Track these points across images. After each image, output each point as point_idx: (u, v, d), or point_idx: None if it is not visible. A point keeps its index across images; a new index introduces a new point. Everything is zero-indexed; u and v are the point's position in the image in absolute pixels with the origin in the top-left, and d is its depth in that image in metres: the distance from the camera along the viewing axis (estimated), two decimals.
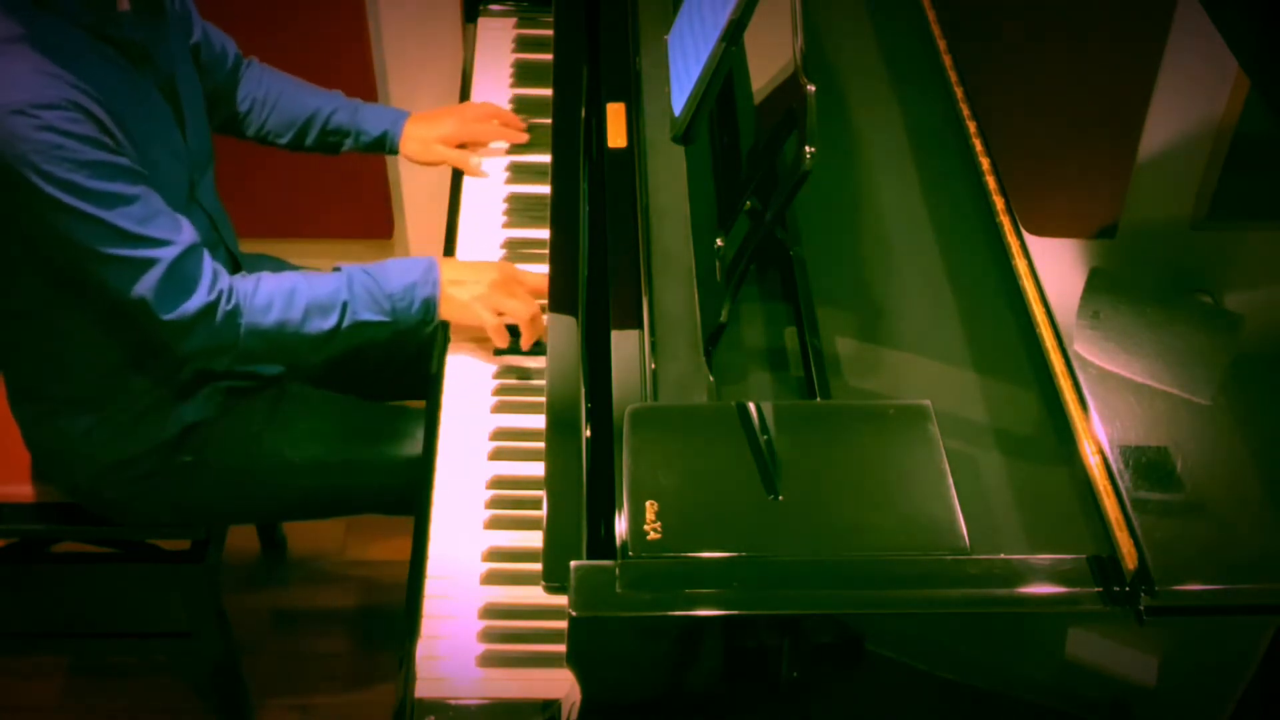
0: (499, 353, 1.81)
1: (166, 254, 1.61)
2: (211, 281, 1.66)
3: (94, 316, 1.72)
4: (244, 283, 1.71)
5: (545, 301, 1.75)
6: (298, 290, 1.73)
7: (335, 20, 2.57)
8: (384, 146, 2.08)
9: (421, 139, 2.07)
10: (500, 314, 1.77)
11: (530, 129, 2.12)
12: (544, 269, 1.82)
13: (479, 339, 1.83)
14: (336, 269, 1.79)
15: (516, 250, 1.95)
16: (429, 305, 1.78)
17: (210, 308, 1.66)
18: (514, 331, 1.80)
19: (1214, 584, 1.20)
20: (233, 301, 1.68)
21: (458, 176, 2.07)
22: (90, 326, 1.74)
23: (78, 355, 1.77)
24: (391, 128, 2.07)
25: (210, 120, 1.98)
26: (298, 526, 2.62)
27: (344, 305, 1.74)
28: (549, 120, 1.99)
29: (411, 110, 2.69)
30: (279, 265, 2.09)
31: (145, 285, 1.61)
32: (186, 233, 1.65)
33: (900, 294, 1.59)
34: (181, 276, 1.63)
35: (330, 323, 1.74)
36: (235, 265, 1.91)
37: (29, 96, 1.50)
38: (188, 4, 1.87)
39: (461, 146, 2.09)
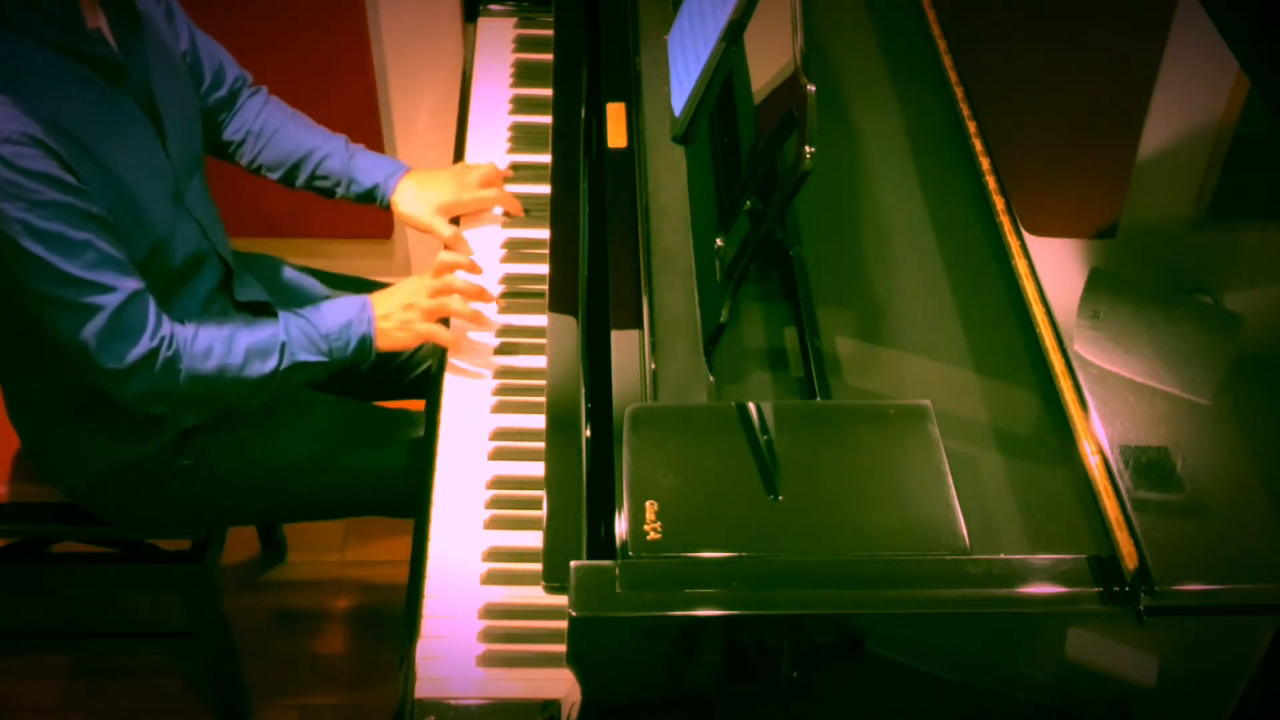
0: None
1: (110, 300, 1.60)
2: (154, 328, 1.65)
3: None
4: (183, 330, 1.70)
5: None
6: (237, 335, 1.72)
7: (336, 20, 2.57)
8: (374, 200, 2.00)
9: (416, 202, 1.97)
10: (443, 313, 1.78)
11: (530, 129, 2.12)
12: (544, 269, 1.82)
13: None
14: (272, 314, 1.78)
15: (516, 250, 1.95)
16: (365, 342, 1.79)
17: (150, 355, 1.65)
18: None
19: (1214, 584, 1.20)
20: (173, 348, 1.67)
21: None
22: None
23: (69, 366, 1.76)
24: (384, 182, 1.98)
25: (207, 142, 1.96)
26: (298, 526, 2.62)
27: (282, 347, 1.74)
28: (549, 120, 1.99)
29: (412, 110, 2.71)
30: (280, 265, 2.09)
31: (89, 331, 1.60)
32: (132, 280, 1.63)
33: (900, 294, 1.59)
34: (125, 324, 1.62)
35: (270, 366, 1.74)
36: (227, 270, 1.88)
37: None
38: (174, 10, 1.82)
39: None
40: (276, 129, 1.98)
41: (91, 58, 1.59)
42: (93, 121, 1.58)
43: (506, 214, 2.01)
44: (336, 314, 1.79)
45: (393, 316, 1.79)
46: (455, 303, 1.79)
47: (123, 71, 1.63)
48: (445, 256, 1.86)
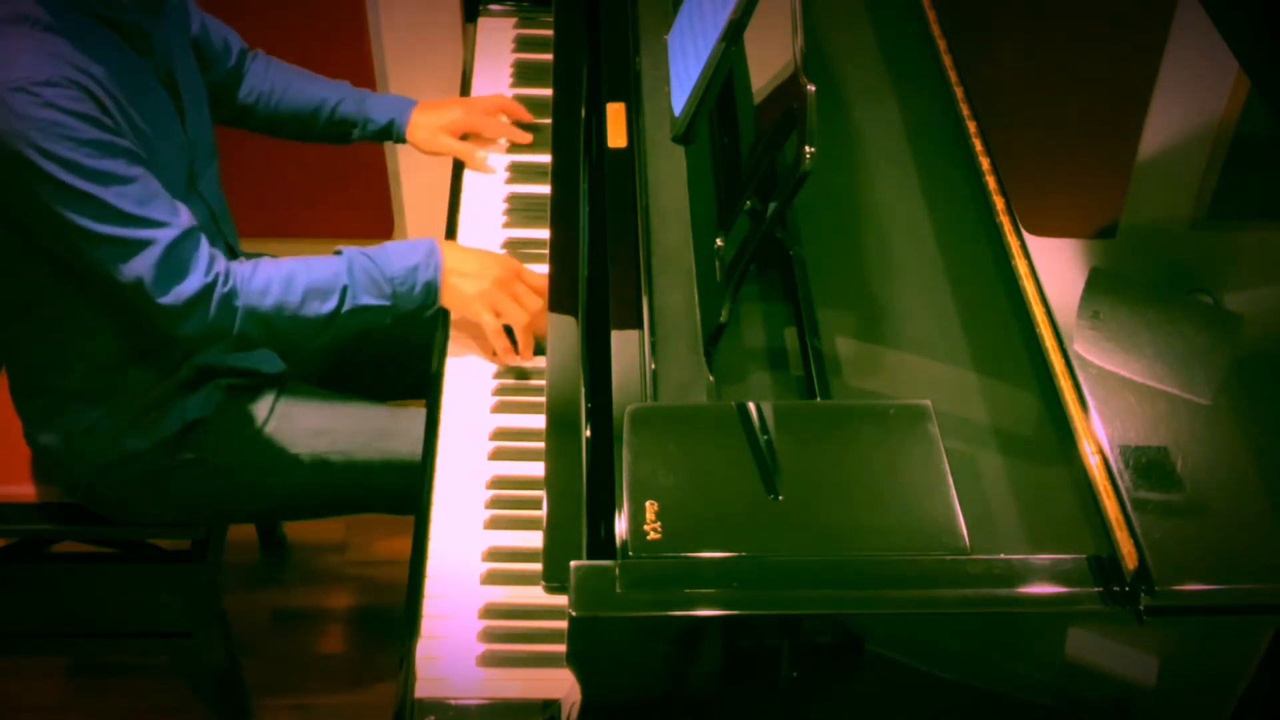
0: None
1: (163, 235, 1.61)
2: (208, 265, 1.66)
3: (97, 308, 1.73)
4: (241, 267, 1.71)
5: (546, 302, 1.75)
6: (296, 274, 1.72)
7: (335, 21, 2.58)
8: (391, 135, 2.09)
9: (428, 127, 2.07)
10: (499, 314, 1.77)
11: (530, 129, 2.12)
12: (544, 269, 1.82)
13: (479, 337, 1.83)
14: (337, 252, 1.78)
15: (516, 250, 1.95)
16: (430, 288, 1.77)
17: (207, 290, 1.66)
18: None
19: (1214, 584, 1.20)
20: (229, 284, 1.68)
21: (458, 176, 2.07)
22: (94, 318, 1.74)
23: (82, 347, 1.78)
24: (399, 116, 2.08)
25: (216, 115, 1.99)
26: (298, 526, 2.62)
27: (344, 289, 1.73)
28: (549, 120, 1.99)
29: None
30: None
31: (141, 266, 1.61)
32: (184, 216, 1.65)
33: (900, 294, 1.59)
34: (178, 259, 1.63)
35: (329, 306, 1.73)
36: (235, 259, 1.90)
37: (30, 74, 1.51)
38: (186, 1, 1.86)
39: (464, 137, 2.09)
40: (286, 86, 2.04)
41: (121, 25, 1.63)
42: (123, 82, 1.61)
43: (511, 146, 2.09)
44: (402, 256, 1.77)
45: (469, 278, 1.77)
46: (518, 313, 1.77)
47: (149, 43, 1.67)
48: (537, 277, 1.83)
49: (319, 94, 2.06)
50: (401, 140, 2.09)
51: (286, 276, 1.72)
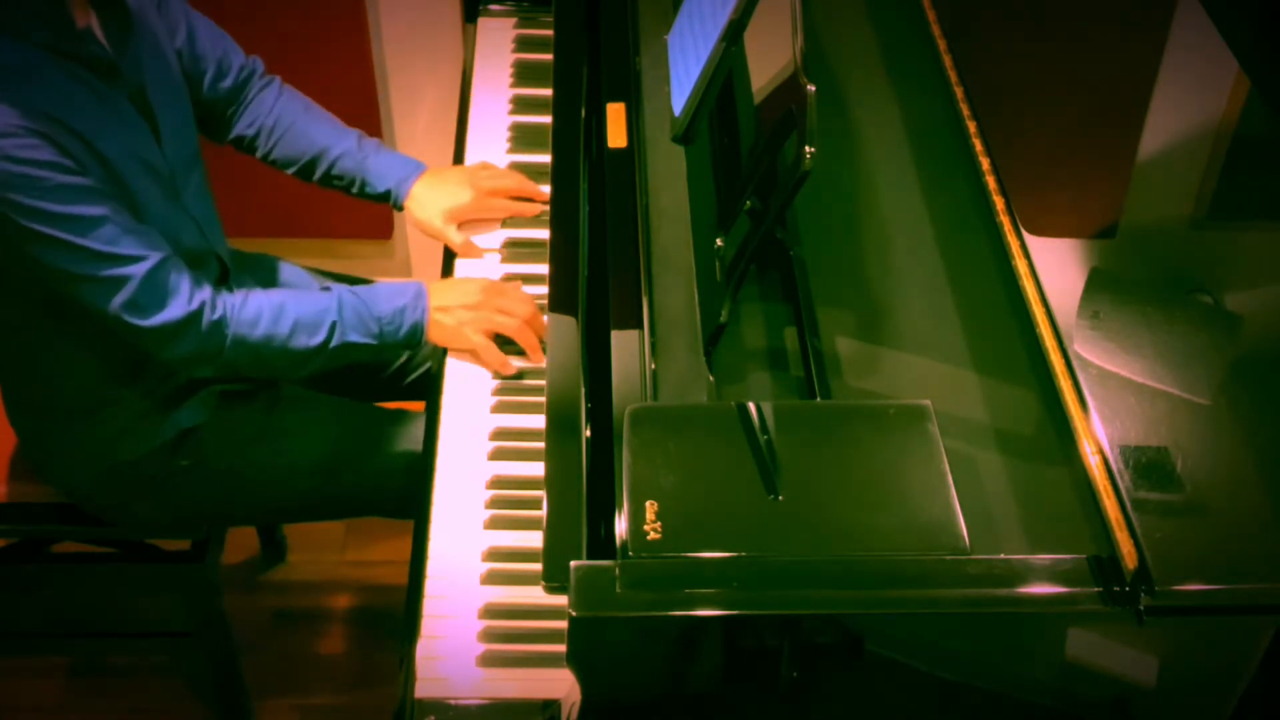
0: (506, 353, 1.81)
1: (138, 269, 1.61)
2: (190, 291, 1.66)
3: (74, 333, 1.72)
4: (231, 296, 1.72)
5: (543, 303, 1.76)
6: (286, 307, 1.73)
7: (335, 20, 2.57)
8: (389, 201, 1.98)
9: (429, 208, 1.94)
10: (489, 331, 1.77)
11: (530, 129, 2.12)
12: (544, 269, 1.82)
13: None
14: (325, 288, 1.79)
15: (516, 250, 1.95)
16: (416, 330, 1.79)
17: (194, 316, 1.66)
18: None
19: (1214, 584, 1.20)
20: (218, 312, 1.68)
21: None
22: (72, 343, 1.74)
23: (64, 369, 1.77)
24: (397, 188, 1.95)
25: (215, 137, 1.96)
26: (298, 526, 2.62)
27: (333, 325, 1.75)
28: (549, 120, 1.99)
29: (412, 110, 2.71)
30: (278, 265, 2.08)
31: (120, 301, 1.61)
32: (157, 249, 1.64)
33: (900, 294, 1.59)
34: (157, 289, 1.63)
35: (317, 340, 1.74)
36: (224, 270, 1.87)
37: None
38: (169, 7, 1.80)
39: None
40: (289, 125, 1.96)
41: (82, 57, 1.59)
42: (87, 116, 1.58)
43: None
44: (391, 298, 1.78)
45: (452, 312, 1.78)
46: (507, 321, 1.77)
47: (115, 69, 1.63)
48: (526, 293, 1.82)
49: (321, 141, 1.95)
50: (399, 210, 1.98)
51: (277, 308, 1.72)
